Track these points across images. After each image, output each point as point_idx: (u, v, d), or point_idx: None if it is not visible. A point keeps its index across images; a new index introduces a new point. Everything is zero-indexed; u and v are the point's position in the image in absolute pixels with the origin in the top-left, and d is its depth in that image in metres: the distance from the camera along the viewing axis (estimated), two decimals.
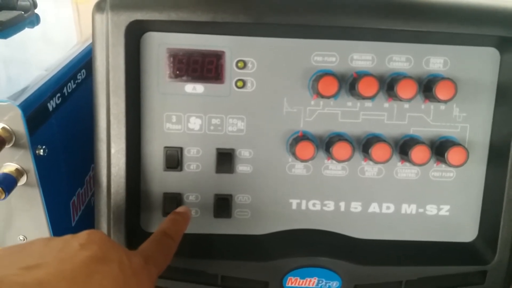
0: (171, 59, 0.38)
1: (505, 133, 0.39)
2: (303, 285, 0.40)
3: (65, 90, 0.48)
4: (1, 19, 0.58)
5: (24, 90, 0.41)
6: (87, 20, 0.71)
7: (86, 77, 0.53)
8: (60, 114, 0.46)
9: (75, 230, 0.51)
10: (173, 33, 0.38)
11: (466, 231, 0.42)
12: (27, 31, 0.62)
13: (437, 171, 0.41)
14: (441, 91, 0.37)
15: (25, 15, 0.63)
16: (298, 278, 0.40)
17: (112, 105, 0.37)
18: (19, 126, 0.39)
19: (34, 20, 0.66)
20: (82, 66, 0.52)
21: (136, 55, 0.38)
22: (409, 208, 0.42)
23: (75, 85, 0.50)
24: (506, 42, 0.38)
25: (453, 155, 0.38)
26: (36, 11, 0.68)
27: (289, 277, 0.40)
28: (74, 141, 0.50)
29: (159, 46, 0.38)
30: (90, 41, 0.54)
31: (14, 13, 0.61)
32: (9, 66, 0.50)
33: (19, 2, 0.65)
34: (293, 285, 0.40)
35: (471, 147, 0.41)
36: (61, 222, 0.47)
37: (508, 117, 0.39)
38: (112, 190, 0.38)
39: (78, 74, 0.52)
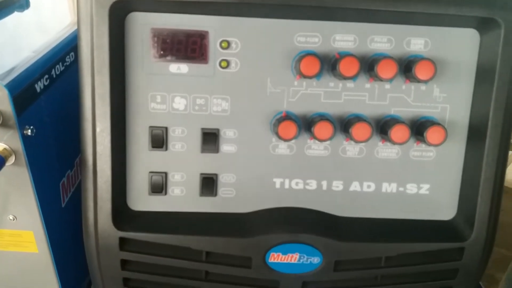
0: (155, 39, 0.39)
1: (484, 114, 0.40)
2: (285, 261, 0.41)
3: (53, 72, 0.48)
4: None
5: (11, 70, 0.42)
6: None
7: (75, 60, 0.53)
8: (48, 96, 0.47)
9: (65, 211, 0.52)
10: (157, 13, 0.38)
11: (445, 209, 0.44)
12: (19, 15, 0.62)
13: (417, 151, 0.42)
14: (420, 71, 0.38)
15: None
16: (280, 253, 0.41)
17: (96, 85, 0.38)
18: (7, 106, 0.40)
19: (24, 4, 0.66)
20: (71, 48, 0.53)
21: (121, 35, 0.38)
22: (389, 187, 0.43)
23: (63, 67, 0.51)
24: (486, 23, 0.39)
25: (432, 134, 0.39)
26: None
27: (271, 253, 0.41)
28: (64, 123, 0.50)
29: (143, 26, 0.39)
30: None
31: None
32: None
33: None
34: (275, 260, 0.41)
35: (451, 127, 0.42)
36: (50, 203, 0.48)
37: (487, 98, 0.40)
38: (98, 168, 0.39)
39: (67, 56, 0.52)
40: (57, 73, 0.49)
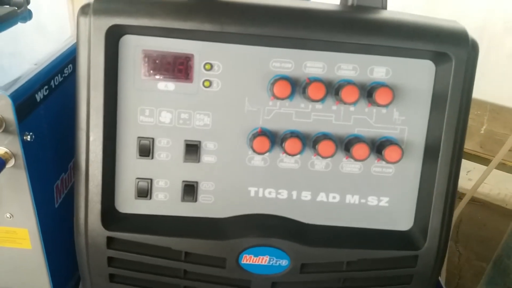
0: (146, 59, 0.43)
1: (437, 135, 0.45)
2: (256, 262, 0.45)
3: (52, 82, 0.51)
4: None
5: (14, 81, 0.45)
6: None
7: (73, 71, 0.56)
8: (47, 105, 0.49)
9: (58, 211, 0.54)
10: (148, 37, 0.42)
11: (403, 220, 0.47)
12: (21, 25, 0.65)
13: (378, 167, 0.46)
14: (380, 97, 0.42)
15: (18, 10, 0.67)
16: (252, 256, 0.45)
17: (91, 99, 0.41)
18: (9, 114, 0.43)
19: (27, 16, 0.69)
20: (70, 61, 0.56)
21: (115, 55, 0.42)
22: (352, 198, 0.47)
23: (62, 78, 0.54)
24: (440, 56, 0.43)
25: (389, 153, 0.43)
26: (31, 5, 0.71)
27: (244, 255, 0.45)
28: (60, 130, 0.53)
29: (136, 47, 0.43)
30: None
31: (7, 9, 0.65)
32: (2, 58, 0.54)
33: None
34: (247, 262, 0.45)
35: (409, 146, 0.46)
36: (45, 203, 0.50)
37: (441, 122, 0.44)
38: (90, 173, 0.43)
39: (65, 68, 0.55)
40: (56, 83, 0.52)
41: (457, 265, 1.64)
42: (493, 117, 1.83)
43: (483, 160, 1.79)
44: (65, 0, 0.82)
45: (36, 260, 0.52)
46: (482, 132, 1.88)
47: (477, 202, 1.91)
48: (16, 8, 0.67)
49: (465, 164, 1.85)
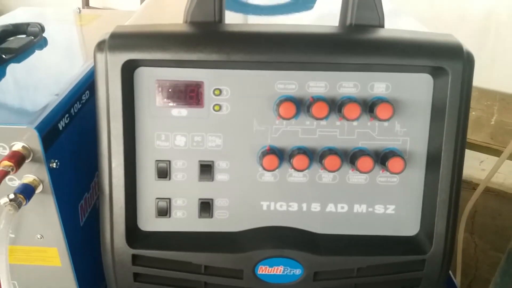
0: (160, 89, 0.46)
1: (438, 145, 0.47)
2: (271, 272, 0.48)
3: (72, 110, 0.54)
4: (14, 46, 0.65)
5: (39, 113, 0.48)
6: (89, 42, 0.78)
7: (89, 97, 0.59)
8: (68, 132, 0.52)
9: (83, 229, 0.58)
10: (161, 68, 0.45)
11: (409, 226, 0.50)
12: (38, 54, 0.68)
13: (383, 177, 0.49)
14: (381, 112, 0.45)
15: (35, 40, 0.70)
16: (268, 266, 0.47)
17: (112, 128, 0.45)
18: (36, 144, 0.46)
19: (43, 44, 0.72)
20: (86, 87, 0.58)
21: (131, 86, 0.45)
22: (360, 208, 0.49)
23: (80, 105, 0.57)
24: (437, 69, 0.45)
25: (393, 164, 0.46)
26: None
27: (260, 266, 0.47)
28: (80, 153, 0.56)
29: (150, 78, 0.45)
30: (92, 63, 0.61)
31: (25, 39, 0.68)
32: (23, 89, 0.58)
33: (29, 28, 0.72)
34: (263, 272, 0.48)
35: (411, 156, 0.48)
36: (71, 223, 0.53)
37: (441, 131, 0.46)
38: (114, 197, 0.46)
39: (83, 95, 0.58)
40: (76, 111, 0.55)
41: (473, 257, 1.65)
42: (503, 107, 1.82)
43: (495, 152, 1.79)
44: (74, 28, 0.85)
45: (66, 275, 0.55)
46: (492, 123, 1.87)
47: (491, 192, 1.91)
48: (32, 37, 0.70)
49: (477, 155, 1.85)
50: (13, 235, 0.52)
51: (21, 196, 0.46)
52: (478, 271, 1.61)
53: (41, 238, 0.52)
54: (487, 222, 1.79)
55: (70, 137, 0.53)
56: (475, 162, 1.92)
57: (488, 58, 1.72)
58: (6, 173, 0.44)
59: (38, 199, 0.48)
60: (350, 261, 0.48)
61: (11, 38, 0.69)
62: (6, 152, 0.46)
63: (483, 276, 1.56)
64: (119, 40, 0.44)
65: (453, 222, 0.48)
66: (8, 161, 0.44)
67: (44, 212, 0.50)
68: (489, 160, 1.86)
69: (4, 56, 0.62)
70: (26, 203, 0.46)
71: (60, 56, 0.69)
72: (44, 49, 0.71)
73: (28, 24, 0.72)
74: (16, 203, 0.45)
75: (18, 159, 0.45)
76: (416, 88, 0.47)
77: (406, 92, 0.47)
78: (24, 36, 0.71)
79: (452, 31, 0.49)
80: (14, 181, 0.48)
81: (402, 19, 0.66)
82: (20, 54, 0.66)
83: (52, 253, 0.53)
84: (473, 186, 1.84)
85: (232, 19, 0.48)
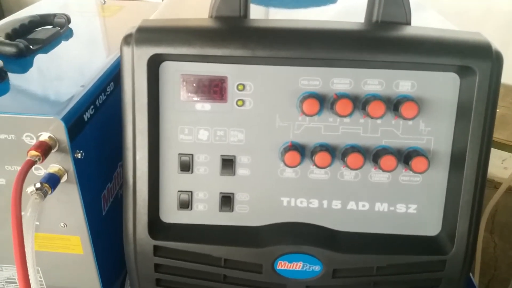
0: (184, 83, 0.46)
1: (463, 145, 0.46)
2: (291, 268, 0.48)
3: (97, 102, 0.55)
4: (41, 37, 0.66)
5: (65, 105, 0.49)
6: (113, 33, 0.79)
7: (114, 88, 0.60)
8: (93, 123, 0.53)
9: (105, 218, 0.59)
10: (185, 62, 0.45)
11: (431, 226, 0.49)
12: (64, 45, 0.69)
13: (406, 176, 0.48)
14: (406, 111, 0.44)
15: (61, 31, 0.71)
16: (287, 262, 0.48)
17: (137, 122, 0.45)
18: (62, 135, 0.47)
19: (69, 34, 0.73)
20: (111, 79, 0.59)
21: (156, 80, 0.46)
22: (381, 206, 0.49)
23: (105, 96, 0.58)
24: (464, 69, 0.45)
25: (416, 163, 0.45)
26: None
27: (279, 261, 0.47)
28: (104, 144, 0.57)
29: (174, 73, 0.46)
30: (117, 55, 0.61)
31: (52, 30, 0.69)
32: (50, 80, 0.58)
33: (55, 19, 0.73)
34: (282, 267, 0.48)
35: (435, 156, 0.48)
36: (94, 212, 0.55)
37: (466, 132, 0.45)
38: (137, 189, 0.47)
39: (108, 86, 0.59)
40: (100, 102, 0.56)
41: (492, 256, 1.62)
42: None
43: None
44: (98, 19, 0.86)
45: (88, 263, 0.56)
46: None
47: None
48: (59, 28, 0.71)
49: (500, 153, 1.81)
50: (37, 223, 0.53)
51: (47, 185, 0.47)
52: (497, 271, 1.58)
53: (64, 226, 0.53)
54: (508, 222, 1.76)
55: (94, 128, 0.54)
56: (497, 160, 1.89)
57: None
58: (33, 163, 0.46)
59: (63, 188, 0.50)
60: (370, 259, 0.48)
61: (38, 29, 0.70)
62: (33, 142, 0.47)
63: (502, 276, 1.54)
64: (145, 34, 0.44)
65: (475, 223, 0.47)
66: (35, 151, 0.46)
67: (68, 201, 0.51)
68: (511, 159, 1.82)
69: (31, 46, 0.64)
70: (51, 192, 0.47)
71: (85, 47, 0.70)
72: (70, 40, 0.72)
73: (54, 15, 0.73)
74: (42, 192, 0.46)
75: (44, 149, 0.46)
76: (442, 87, 0.46)
77: (432, 91, 0.46)
78: (50, 27, 0.72)
79: (478, 26, 0.48)
80: (40, 170, 0.50)
81: (427, 14, 0.65)
82: (47, 45, 0.67)
83: (74, 241, 0.55)
84: (494, 184, 1.80)
85: (253, 11, 0.47)
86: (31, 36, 0.67)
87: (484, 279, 1.49)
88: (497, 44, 0.45)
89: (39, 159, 0.46)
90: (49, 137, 0.47)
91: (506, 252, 1.66)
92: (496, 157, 1.88)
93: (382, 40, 0.44)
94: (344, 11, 0.69)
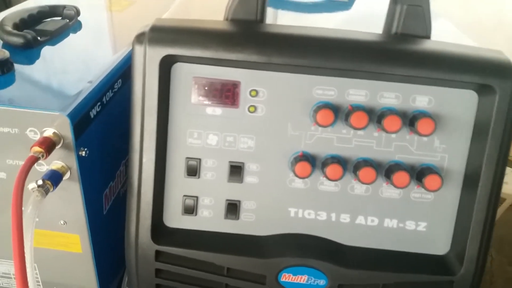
0: (196, 86, 0.45)
1: (477, 165, 0.45)
2: (295, 281, 0.47)
3: (104, 99, 0.54)
4: (50, 29, 0.65)
5: (71, 101, 0.48)
6: (123, 29, 0.77)
7: (122, 86, 0.59)
8: (99, 120, 0.52)
9: (106, 217, 0.58)
10: (198, 65, 0.44)
11: (440, 245, 0.48)
12: (72, 38, 0.68)
13: (417, 193, 0.47)
14: (422, 127, 0.43)
15: (70, 23, 0.70)
16: (291, 274, 0.46)
17: (145, 123, 0.44)
18: (67, 131, 0.45)
19: (77, 27, 0.72)
20: (119, 76, 0.58)
21: (167, 81, 0.44)
22: (391, 222, 0.48)
23: (112, 93, 0.56)
24: (484, 87, 0.43)
25: (429, 181, 0.44)
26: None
27: (283, 273, 0.46)
28: (109, 142, 0.56)
29: (187, 75, 0.45)
30: (126, 51, 0.60)
31: (61, 22, 0.67)
32: (57, 74, 0.57)
33: (65, 11, 0.72)
34: (286, 280, 0.47)
35: (448, 174, 0.47)
36: (95, 211, 0.53)
37: (482, 151, 0.44)
38: (142, 191, 0.45)
39: (115, 83, 0.57)
40: (107, 99, 0.55)
41: (489, 271, 1.61)
42: None
43: None
44: (107, 13, 0.84)
45: (86, 262, 0.55)
46: None
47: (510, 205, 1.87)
48: (68, 20, 0.70)
49: None
50: (37, 219, 0.52)
51: (49, 183, 0.45)
52: (493, 285, 1.57)
53: (64, 224, 0.52)
54: (506, 236, 1.75)
55: (100, 125, 0.53)
56: None
57: None
58: (36, 159, 0.44)
59: (65, 185, 0.48)
60: (376, 276, 0.47)
61: (47, 20, 0.69)
62: (37, 137, 0.46)
63: None
64: (159, 34, 0.43)
65: (486, 244, 0.46)
66: (39, 147, 0.44)
67: (70, 199, 0.50)
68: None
69: (39, 38, 0.62)
70: (53, 189, 0.46)
71: (94, 42, 0.69)
72: (78, 33, 0.70)
73: (64, 7, 0.72)
74: (44, 189, 0.45)
75: (48, 146, 0.45)
76: (459, 104, 0.45)
77: (449, 108, 0.45)
78: (59, 18, 0.71)
79: (490, 36, 0.47)
80: (43, 166, 0.48)
81: (439, 23, 0.64)
82: (55, 37, 0.65)
83: (74, 240, 0.53)
84: None
85: (271, 15, 0.46)
86: (39, 27, 0.66)
87: None
88: (508, 54, 0.45)
89: (42, 155, 0.45)
90: (54, 133, 0.46)
91: (503, 267, 1.65)
92: None
93: (401, 53, 0.43)
94: (354, 18, 0.68)
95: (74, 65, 0.60)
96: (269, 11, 0.63)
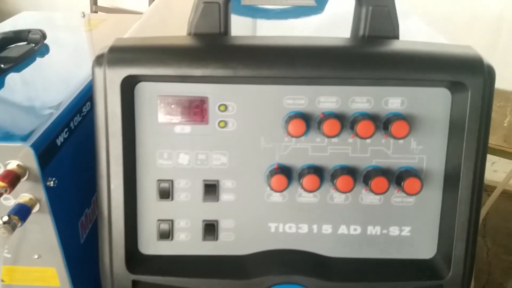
0: (162, 105, 0.43)
1: (457, 163, 0.44)
2: None
3: (72, 124, 0.52)
4: (14, 55, 0.63)
5: (35, 129, 0.46)
6: (91, 48, 0.75)
7: (91, 109, 0.57)
8: (67, 147, 0.50)
9: (84, 247, 0.56)
10: (163, 83, 0.43)
11: (426, 249, 0.47)
12: (38, 63, 0.66)
13: (398, 197, 0.46)
14: (396, 130, 0.42)
15: (36, 47, 0.68)
16: None
17: (110, 147, 0.42)
18: (32, 163, 0.44)
19: (44, 51, 0.70)
20: (87, 99, 0.56)
21: (131, 102, 0.43)
22: (374, 230, 0.47)
23: (81, 118, 0.55)
24: (456, 84, 0.43)
25: (409, 185, 0.43)
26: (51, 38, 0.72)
27: None
28: (81, 167, 0.54)
29: (151, 94, 0.43)
30: None
31: (25, 47, 0.66)
32: (20, 102, 0.55)
33: (30, 35, 0.70)
34: None
35: (428, 175, 0.45)
36: (70, 242, 0.51)
37: (459, 149, 0.43)
38: (113, 220, 0.43)
39: (84, 107, 0.56)
40: (75, 124, 0.53)
41: (485, 261, 1.61)
42: None
43: (508, 155, 1.75)
44: (77, 33, 0.83)
45: None
46: (505, 124, 1.83)
47: (503, 194, 1.87)
48: (33, 45, 0.68)
49: (489, 157, 1.81)
50: (9, 255, 0.50)
51: (16, 218, 0.44)
52: (491, 276, 1.57)
53: (38, 258, 0.50)
54: (500, 225, 1.75)
55: (69, 152, 0.51)
56: (487, 164, 1.89)
57: (501, 58, 1.69)
58: (0, 195, 0.42)
59: (35, 218, 0.47)
60: (363, 287, 0.45)
61: (11, 46, 0.67)
62: (0, 171, 0.44)
63: (496, 281, 1.53)
64: (118, 54, 0.41)
65: (472, 245, 0.45)
66: (2, 181, 0.43)
67: (42, 232, 0.48)
68: (501, 162, 1.81)
69: (3, 65, 0.60)
70: (21, 224, 0.44)
71: (61, 64, 0.67)
72: (46, 57, 0.69)
73: (29, 31, 0.70)
74: (11, 226, 0.44)
75: (12, 179, 0.43)
76: (433, 103, 0.44)
77: (423, 108, 0.44)
78: (25, 43, 0.69)
79: (464, 31, 0.46)
80: (9, 200, 0.46)
81: (411, 22, 0.63)
82: (20, 63, 0.63)
83: (50, 273, 0.52)
84: (485, 188, 1.80)
85: (240, 23, 0.45)
86: (3, 54, 0.64)
87: (478, 284, 1.48)
88: (482, 49, 0.44)
89: (6, 190, 0.43)
90: (18, 165, 0.44)
91: (500, 256, 1.65)
92: (486, 160, 1.88)
93: (369, 56, 0.42)
94: (331, 20, 0.67)
95: (39, 91, 0.59)
96: (248, 21, 0.62)
